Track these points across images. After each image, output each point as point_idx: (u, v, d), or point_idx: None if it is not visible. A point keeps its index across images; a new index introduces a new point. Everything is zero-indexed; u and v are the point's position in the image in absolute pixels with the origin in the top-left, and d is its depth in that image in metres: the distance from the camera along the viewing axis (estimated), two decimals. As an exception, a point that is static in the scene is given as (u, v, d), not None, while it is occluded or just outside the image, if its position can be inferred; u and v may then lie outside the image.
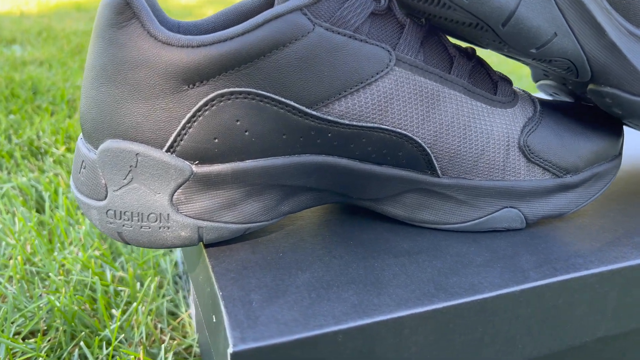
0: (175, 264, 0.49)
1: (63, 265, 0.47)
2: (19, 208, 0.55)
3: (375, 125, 0.27)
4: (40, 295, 0.43)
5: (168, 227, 0.26)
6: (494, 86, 0.30)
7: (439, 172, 0.29)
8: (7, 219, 0.53)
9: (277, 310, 0.23)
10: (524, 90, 0.33)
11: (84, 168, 0.26)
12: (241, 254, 0.28)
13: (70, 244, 0.50)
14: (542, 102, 0.32)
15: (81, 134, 0.27)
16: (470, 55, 0.30)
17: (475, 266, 0.27)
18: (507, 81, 0.31)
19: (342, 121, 0.26)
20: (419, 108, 0.27)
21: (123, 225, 0.26)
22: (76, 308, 0.41)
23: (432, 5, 0.27)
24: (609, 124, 0.34)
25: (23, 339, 0.40)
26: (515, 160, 0.30)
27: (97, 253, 0.48)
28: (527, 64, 0.34)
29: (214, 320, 0.25)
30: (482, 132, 0.29)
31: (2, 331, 0.39)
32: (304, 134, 0.26)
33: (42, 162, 0.67)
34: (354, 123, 0.26)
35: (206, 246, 0.28)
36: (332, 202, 0.31)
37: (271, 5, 0.31)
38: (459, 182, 0.29)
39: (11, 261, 0.46)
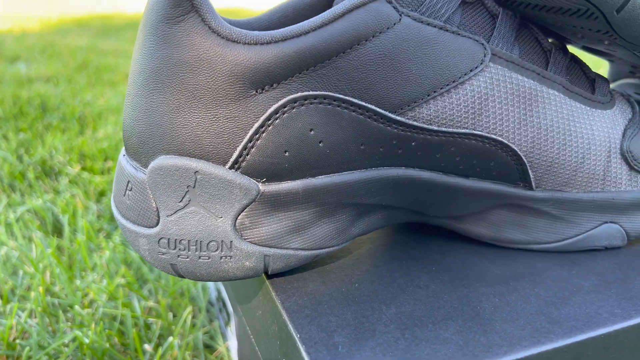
0: (205, 290, 0.45)
1: (87, 295, 0.43)
2: (35, 233, 0.51)
3: (468, 131, 0.23)
4: (65, 330, 0.39)
5: (231, 257, 0.22)
6: (591, 84, 0.26)
7: (533, 184, 0.25)
8: (23, 245, 0.49)
9: (369, 356, 0.19)
10: (617, 89, 0.29)
11: (130, 190, 0.22)
12: (310, 285, 0.24)
13: (93, 270, 0.46)
14: (639, 102, 0.29)
15: (123, 150, 0.23)
16: (565, 49, 0.26)
17: (584, 293, 0.23)
18: (604, 79, 0.27)
19: (429, 127, 0.22)
20: (516, 110, 0.23)
21: (178, 256, 0.22)
22: (107, 345, 0.36)
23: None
24: None
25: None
26: (617, 168, 0.26)
27: (122, 281, 0.44)
28: (612, 61, 0.31)
29: (289, 366, 0.21)
30: (584, 137, 0.25)
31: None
32: (385, 143, 0.22)
33: (57, 183, 0.64)
34: (443, 129, 0.23)
35: (268, 277, 0.24)
36: (405, 221, 0.27)
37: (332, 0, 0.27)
38: (555, 196, 0.25)
39: (32, 293, 0.42)
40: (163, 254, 0.22)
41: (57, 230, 0.54)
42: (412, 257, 0.26)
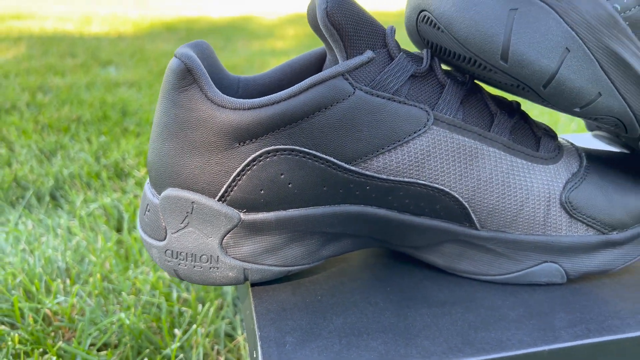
0: (236, 287, 0.53)
1: (135, 284, 0.51)
2: (102, 227, 0.61)
3: (413, 180, 0.28)
4: (115, 311, 0.48)
5: (217, 268, 0.29)
6: (536, 142, 0.30)
7: (478, 225, 0.30)
8: (91, 237, 0.59)
9: (307, 354, 0.25)
10: (572, 143, 0.33)
11: (148, 211, 0.29)
12: (282, 294, 0.30)
13: (143, 263, 0.55)
14: (590, 156, 0.32)
15: (148, 179, 0.31)
16: (513, 111, 0.31)
17: (507, 321, 0.28)
18: (551, 136, 0.31)
19: (380, 176, 0.28)
20: (456, 165, 0.28)
21: (179, 264, 0.29)
22: (143, 326, 0.45)
23: (474, 66, 0.28)
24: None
25: (98, 350, 0.45)
26: (557, 216, 0.30)
27: (166, 274, 0.52)
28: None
29: (254, 355, 0.28)
30: (522, 188, 0.29)
31: (79, 343, 0.43)
32: (344, 186, 0.28)
33: (125, 183, 0.74)
34: (391, 178, 0.28)
35: (252, 285, 0.31)
36: (373, 247, 0.33)
37: (322, 61, 0.33)
38: (498, 236, 0.30)
39: (91, 278, 0.51)
40: (168, 262, 0.29)
41: (120, 226, 0.64)
42: (375, 277, 0.32)
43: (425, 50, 0.29)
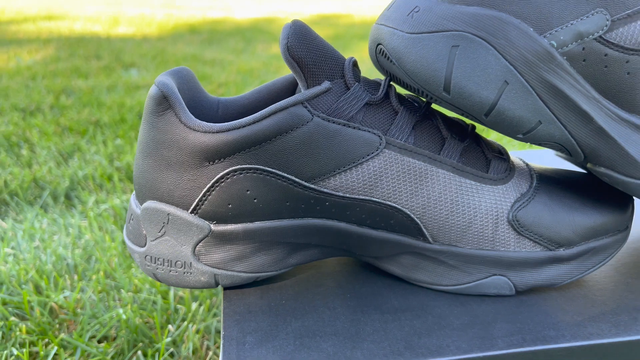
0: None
1: (135, 283, 0.55)
2: (110, 227, 0.65)
3: (367, 197, 0.31)
4: (115, 307, 0.52)
5: (191, 273, 0.32)
6: (486, 164, 0.33)
7: (430, 239, 0.32)
8: (99, 236, 0.63)
9: (263, 353, 0.28)
10: (527, 164, 0.35)
11: (132, 220, 0.33)
12: (250, 298, 0.33)
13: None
14: (542, 176, 0.35)
15: (134, 192, 0.34)
16: (465, 135, 0.33)
17: (450, 329, 0.30)
18: (503, 159, 0.33)
19: (337, 193, 0.31)
20: (407, 184, 0.31)
21: (157, 269, 0.32)
22: (139, 321, 0.48)
23: (422, 96, 0.31)
24: (615, 198, 0.35)
25: (99, 341, 0.49)
26: (505, 233, 0.32)
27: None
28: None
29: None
30: (470, 207, 0.32)
31: (80, 335, 0.47)
32: (305, 202, 0.31)
33: (135, 185, 0.78)
34: (348, 195, 0.31)
35: (225, 288, 0.34)
36: (339, 256, 0.35)
37: (295, 86, 0.36)
38: (450, 249, 0.33)
39: (95, 275, 0.55)
40: (148, 266, 0.32)
41: (127, 226, 0.68)
42: (337, 284, 0.35)
43: (384, 79, 0.32)
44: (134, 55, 1.93)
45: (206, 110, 0.35)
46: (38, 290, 0.54)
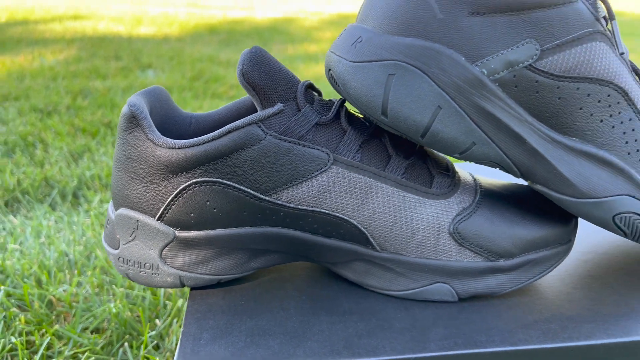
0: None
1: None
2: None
3: (317, 209, 0.34)
4: (109, 300, 0.56)
5: (158, 274, 0.35)
6: (430, 180, 0.35)
7: (377, 247, 0.35)
8: (99, 234, 0.67)
9: (215, 349, 0.32)
10: (475, 180, 0.38)
11: (108, 225, 0.36)
12: (213, 298, 0.36)
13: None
14: (486, 191, 0.37)
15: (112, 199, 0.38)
16: (411, 153, 0.36)
17: (390, 331, 0.33)
18: (447, 175, 0.36)
19: (290, 205, 0.34)
20: (354, 198, 0.34)
21: (128, 269, 0.36)
22: (128, 315, 0.52)
23: (367, 118, 0.34)
24: (558, 212, 0.37)
25: (92, 332, 0.52)
26: (446, 243, 0.35)
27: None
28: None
29: (183, 347, 0.34)
30: (412, 219, 0.34)
31: (73, 327, 0.51)
32: (261, 212, 0.34)
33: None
34: (299, 207, 0.34)
35: (191, 288, 0.37)
36: (300, 261, 0.38)
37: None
38: (396, 257, 0.35)
39: (90, 271, 0.59)
40: (121, 266, 0.36)
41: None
42: (296, 288, 0.38)
43: (337, 100, 0.35)
44: (152, 56, 1.98)
45: (179, 125, 0.38)
46: (40, 283, 0.58)
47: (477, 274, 0.35)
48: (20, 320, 0.51)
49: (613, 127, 0.34)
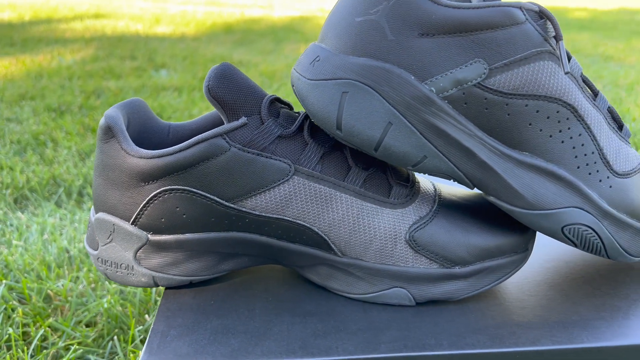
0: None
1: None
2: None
3: (279, 217, 0.36)
4: (102, 296, 0.59)
5: (133, 274, 0.38)
6: (388, 190, 0.37)
7: (339, 253, 0.37)
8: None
9: (179, 345, 0.34)
10: (436, 190, 0.39)
11: (89, 227, 0.39)
12: (185, 297, 0.39)
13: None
14: (445, 200, 0.39)
15: (94, 202, 0.40)
16: (371, 164, 0.37)
17: (346, 332, 0.35)
18: (405, 186, 0.38)
19: (254, 212, 0.36)
20: (314, 206, 0.36)
21: (106, 269, 0.38)
22: (118, 310, 0.55)
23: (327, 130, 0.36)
24: (517, 222, 0.39)
25: (86, 325, 0.55)
26: (403, 250, 0.37)
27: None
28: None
29: (154, 342, 0.37)
30: (370, 227, 0.36)
31: (65, 320, 0.54)
32: (228, 218, 0.36)
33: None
34: (263, 214, 0.36)
35: (165, 288, 0.39)
36: (269, 264, 0.41)
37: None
38: (356, 262, 0.37)
39: (86, 267, 0.62)
40: (100, 266, 0.39)
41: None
42: (265, 289, 0.40)
43: (302, 113, 0.37)
44: (166, 56, 2.02)
45: (157, 135, 0.41)
46: (40, 278, 0.61)
47: (433, 280, 0.37)
48: (18, 312, 0.54)
49: (562, 142, 0.35)
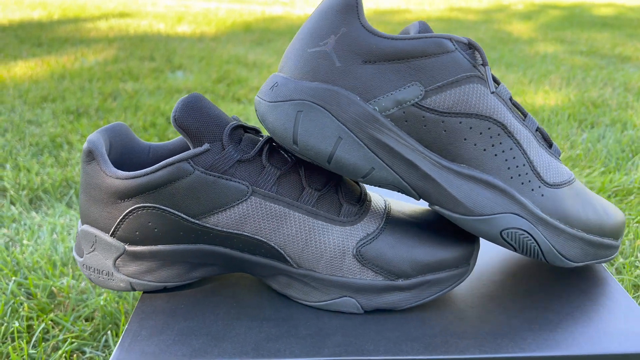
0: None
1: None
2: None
3: (239, 232, 0.40)
4: (101, 294, 0.64)
5: (113, 280, 0.43)
6: (339, 209, 0.41)
7: (294, 265, 0.41)
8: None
9: (147, 344, 0.39)
10: (386, 207, 0.43)
11: (77, 237, 0.44)
12: (159, 301, 0.43)
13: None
14: (393, 219, 0.42)
15: (82, 214, 0.45)
16: (324, 185, 0.41)
17: (296, 337, 0.39)
18: (355, 205, 0.42)
19: (217, 228, 0.40)
20: (270, 224, 0.40)
21: (91, 275, 0.43)
22: (115, 306, 0.60)
23: (284, 147, 0.40)
24: (459, 237, 0.42)
25: (85, 320, 0.61)
26: (351, 264, 0.41)
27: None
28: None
29: (129, 341, 0.41)
30: (321, 243, 0.40)
31: (65, 315, 0.60)
32: (194, 232, 0.41)
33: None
34: (225, 230, 0.40)
35: (143, 292, 0.44)
36: (234, 272, 0.45)
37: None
38: (310, 273, 0.41)
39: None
40: (86, 272, 0.44)
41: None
42: (232, 294, 0.44)
43: (262, 139, 0.41)
44: (184, 57, 2.08)
45: (138, 154, 0.46)
46: (46, 276, 0.67)
47: (378, 291, 0.41)
48: (24, 307, 0.60)
49: (496, 155, 0.39)
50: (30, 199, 0.89)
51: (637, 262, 0.70)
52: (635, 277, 0.67)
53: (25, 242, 0.73)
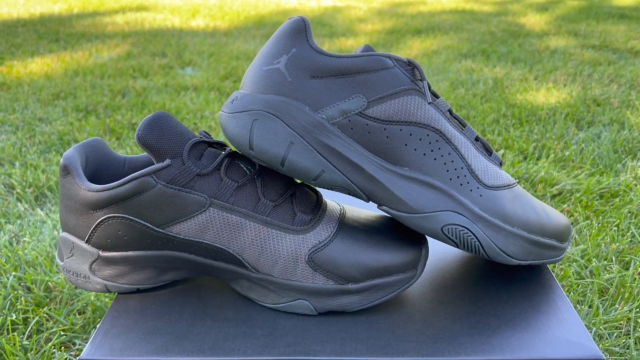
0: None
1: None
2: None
3: (200, 240, 0.44)
4: (93, 290, 0.68)
5: (90, 282, 0.47)
6: (293, 218, 0.44)
7: (253, 270, 0.45)
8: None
9: (116, 342, 0.43)
10: (340, 216, 0.46)
11: (59, 243, 0.48)
12: (131, 302, 0.47)
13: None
14: (346, 226, 0.45)
15: (64, 220, 0.49)
16: (280, 196, 0.45)
17: (251, 337, 0.43)
18: (309, 214, 0.45)
19: (179, 236, 0.44)
20: (227, 233, 0.44)
21: (70, 277, 0.47)
22: (105, 300, 0.65)
23: (242, 152, 0.43)
24: (406, 245, 0.45)
25: (78, 313, 0.65)
26: (304, 269, 0.44)
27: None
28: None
29: (103, 337, 0.45)
30: (275, 250, 0.44)
31: (57, 309, 0.64)
32: (160, 240, 0.45)
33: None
34: (187, 238, 0.44)
35: (118, 293, 0.48)
36: (202, 275, 0.49)
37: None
38: (267, 278, 0.45)
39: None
40: (66, 274, 0.48)
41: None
42: (198, 296, 0.48)
43: (221, 155, 0.45)
44: (194, 53, 2.12)
45: (115, 167, 0.49)
46: (44, 272, 0.72)
47: (330, 294, 0.44)
48: (22, 301, 0.64)
49: (435, 159, 0.42)
50: (36, 196, 0.94)
51: (610, 265, 0.71)
52: (605, 281, 0.69)
53: (26, 238, 0.78)
